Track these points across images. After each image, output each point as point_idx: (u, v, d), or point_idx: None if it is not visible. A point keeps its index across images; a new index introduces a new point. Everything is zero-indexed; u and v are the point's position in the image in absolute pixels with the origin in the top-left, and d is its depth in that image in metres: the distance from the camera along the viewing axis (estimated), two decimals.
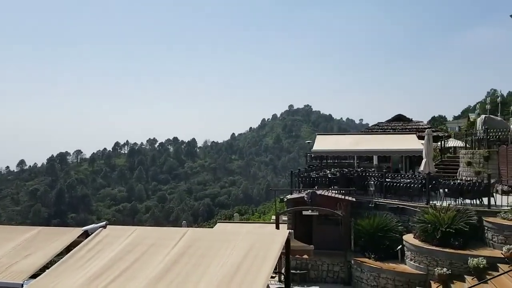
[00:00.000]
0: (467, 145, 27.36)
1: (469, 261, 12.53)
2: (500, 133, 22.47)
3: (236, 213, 42.13)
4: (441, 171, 25.56)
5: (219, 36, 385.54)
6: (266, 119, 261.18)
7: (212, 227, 27.25)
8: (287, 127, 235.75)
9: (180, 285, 6.32)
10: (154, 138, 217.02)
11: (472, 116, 45.01)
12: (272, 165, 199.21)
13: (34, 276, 7.35)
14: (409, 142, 24.65)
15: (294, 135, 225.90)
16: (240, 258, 6.79)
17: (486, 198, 15.59)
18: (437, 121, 79.68)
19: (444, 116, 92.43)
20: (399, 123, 33.68)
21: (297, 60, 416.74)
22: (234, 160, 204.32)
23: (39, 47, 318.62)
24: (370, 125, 40.39)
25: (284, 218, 20.59)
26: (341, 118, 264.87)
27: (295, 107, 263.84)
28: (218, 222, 26.80)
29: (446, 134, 35.64)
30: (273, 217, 23.22)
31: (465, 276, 12.70)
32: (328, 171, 23.80)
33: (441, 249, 13.80)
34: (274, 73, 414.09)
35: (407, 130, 31.01)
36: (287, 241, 7.89)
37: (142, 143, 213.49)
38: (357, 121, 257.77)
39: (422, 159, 21.53)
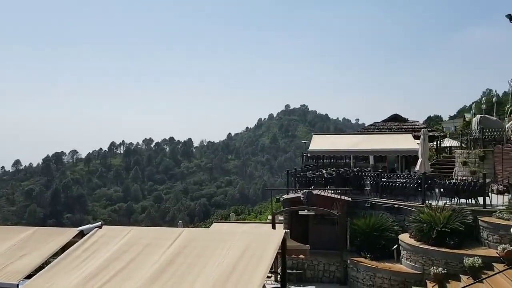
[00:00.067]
0: (463, 145, 27.49)
1: (464, 260, 12.57)
2: (495, 133, 22.58)
3: (232, 213, 42.19)
4: (436, 171, 25.64)
5: (216, 36, 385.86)
6: (262, 119, 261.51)
7: (208, 227, 27.23)
8: (283, 127, 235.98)
9: (176, 285, 6.31)
10: (150, 138, 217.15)
11: (467, 116, 45.06)
12: (269, 165, 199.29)
13: (29, 276, 7.33)
14: (405, 142, 24.71)
15: (290, 135, 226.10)
16: (236, 258, 6.78)
17: (482, 198, 15.65)
18: (433, 121, 79.82)
19: (440, 116, 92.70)
20: (395, 123, 33.72)
21: (293, 60, 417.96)
22: (231, 160, 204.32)
23: (38, 47, 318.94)
24: (366, 125, 40.46)
25: (281, 218, 20.61)
26: (337, 118, 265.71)
27: (291, 107, 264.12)
28: (214, 222, 26.79)
29: (441, 134, 35.74)
30: (270, 217, 23.24)
31: (461, 275, 12.75)
32: (324, 171, 23.83)
33: (436, 249, 13.85)
34: (270, 73, 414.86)
35: (403, 130, 31.05)
36: (283, 241, 7.89)
37: (138, 143, 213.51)
38: (353, 121, 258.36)
39: (418, 158, 21.59)
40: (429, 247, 14.09)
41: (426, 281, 13.66)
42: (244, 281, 6.21)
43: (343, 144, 25.88)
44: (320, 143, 26.69)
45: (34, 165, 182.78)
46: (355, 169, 24.11)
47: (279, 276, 15.79)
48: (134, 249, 7.49)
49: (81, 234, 8.51)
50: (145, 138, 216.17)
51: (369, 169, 25.49)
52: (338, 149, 26.08)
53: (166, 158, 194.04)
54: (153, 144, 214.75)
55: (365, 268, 15.66)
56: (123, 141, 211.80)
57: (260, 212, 62.25)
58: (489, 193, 16.51)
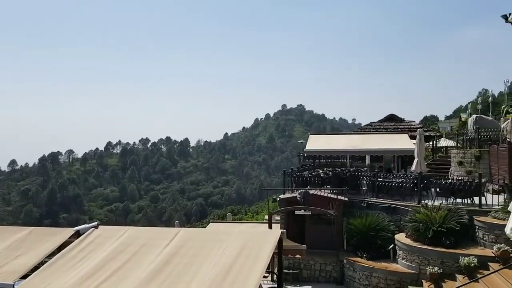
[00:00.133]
0: (459, 145, 27.56)
1: (460, 260, 12.64)
2: (491, 133, 22.64)
3: (229, 213, 42.13)
4: (432, 171, 25.71)
5: (213, 36, 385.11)
6: (259, 119, 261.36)
7: (205, 227, 27.22)
8: (280, 127, 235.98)
9: (172, 285, 6.32)
10: (146, 137, 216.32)
11: (463, 116, 45.18)
12: (265, 165, 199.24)
13: (25, 276, 7.31)
14: (401, 142, 24.75)
15: (287, 134, 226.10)
16: (233, 258, 6.79)
17: (477, 198, 15.72)
18: (429, 121, 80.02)
19: (436, 116, 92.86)
20: (391, 123, 33.82)
21: (290, 60, 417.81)
22: (227, 160, 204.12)
23: (37, 47, 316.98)
24: (362, 125, 40.53)
25: (277, 217, 20.63)
26: (334, 117, 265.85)
27: (288, 107, 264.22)
28: (211, 222, 26.80)
29: (438, 134, 35.85)
30: (266, 217, 23.23)
31: (456, 275, 12.81)
32: (321, 171, 23.87)
33: (432, 248, 13.91)
34: (267, 72, 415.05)
35: (399, 129, 31.13)
36: (280, 241, 7.90)
37: (134, 143, 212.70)
38: (349, 121, 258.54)
39: (414, 158, 21.64)
40: (425, 247, 14.14)
41: (422, 280, 13.72)
42: (241, 281, 6.22)
43: (339, 144, 25.89)
44: (316, 143, 26.70)
45: (30, 165, 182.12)
46: (351, 169, 24.16)
47: (275, 276, 15.81)
48: (131, 249, 7.48)
49: (77, 234, 8.50)
50: (142, 138, 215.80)
51: (365, 169, 25.53)
52: (335, 149, 26.10)
53: (163, 158, 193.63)
54: (150, 144, 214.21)
55: (361, 268, 15.70)
56: (119, 141, 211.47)
57: (257, 212, 62.24)
58: (485, 193, 16.60)
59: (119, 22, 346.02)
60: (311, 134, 29.46)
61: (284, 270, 17.43)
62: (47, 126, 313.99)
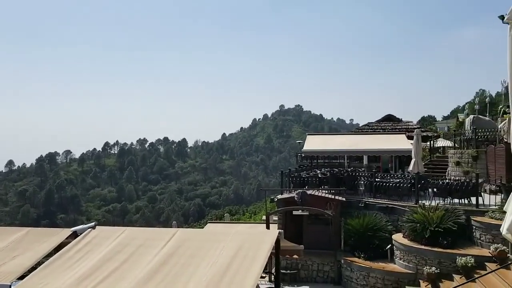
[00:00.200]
0: (456, 145, 27.62)
1: (457, 260, 12.65)
2: (488, 133, 22.70)
3: (226, 213, 42.14)
4: (430, 171, 25.77)
5: (211, 37, 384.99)
6: (257, 119, 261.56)
7: (202, 228, 27.20)
8: (278, 127, 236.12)
9: (169, 285, 6.31)
10: (144, 138, 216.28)
11: (461, 116, 45.25)
12: (263, 165, 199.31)
13: (22, 277, 7.30)
14: (398, 142, 24.83)
15: (285, 135, 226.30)
16: (230, 258, 6.78)
17: (474, 198, 15.74)
18: (427, 121, 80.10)
19: (434, 116, 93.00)
20: (389, 123, 33.87)
21: (288, 60, 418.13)
22: (225, 160, 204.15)
23: (34, 47, 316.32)
24: (360, 125, 40.58)
25: (275, 218, 20.63)
26: (332, 118, 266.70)
27: (286, 107, 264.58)
28: (209, 222, 26.77)
29: (435, 134, 35.93)
30: (264, 217, 23.24)
31: (454, 275, 12.83)
32: (319, 171, 23.89)
33: (430, 248, 13.93)
34: (265, 73, 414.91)
35: (397, 130, 31.19)
36: (277, 241, 7.90)
37: (132, 143, 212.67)
38: (347, 121, 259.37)
39: (411, 159, 21.68)
40: (423, 247, 14.17)
41: (420, 280, 13.74)
42: (238, 281, 6.21)
43: (337, 144, 25.96)
44: (314, 143, 26.77)
45: (28, 165, 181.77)
46: (349, 169, 24.19)
47: (273, 276, 15.80)
48: (128, 249, 7.47)
49: (75, 235, 8.49)
50: (139, 138, 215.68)
51: (363, 169, 25.56)
52: (332, 149, 26.17)
53: (161, 158, 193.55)
54: (147, 144, 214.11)
55: (359, 268, 15.72)
56: (117, 141, 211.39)
57: (254, 212, 62.29)
58: (482, 193, 16.62)
59: (119, 22, 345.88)
60: (308, 134, 29.54)
61: (281, 271, 17.43)
62: (45, 127, 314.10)
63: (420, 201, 16.66)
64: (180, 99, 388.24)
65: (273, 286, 13.58)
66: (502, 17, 8.51)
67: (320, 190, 20.01)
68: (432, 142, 34.16)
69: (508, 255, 11.99)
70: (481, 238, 13.92)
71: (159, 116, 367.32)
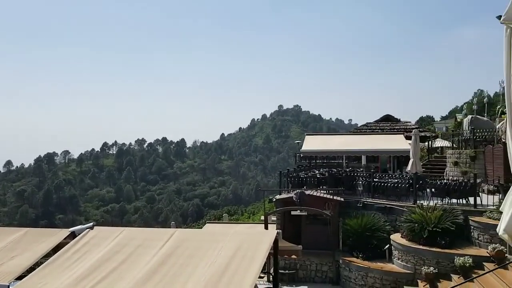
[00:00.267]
0: (454, 145, 27.63)
1: (455, 260, 12.68)
2: (486, 133, 22.73)
3: (225, 213, 42.12)
4: (428, 171, 25.79)
5: (210, 37, 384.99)
6: (255, 119, 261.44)
7: (201, 228, 27.19)
8: (276, 127, 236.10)
9: (168, 286, 6.32)
10: (142, 138, 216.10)
11: (459, 117, 45.41)
12: (262, 165, 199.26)
13: (20, 277, 7.30)
14: (396, 142, 24.86)
15: (283, 135, 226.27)
16: (228, 259, 6.80)
17: (472, 198, 15.77)
18: (425, 121, 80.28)
19: (432, 116, 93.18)
20: (387, 123, 33.95)
21: (287, 60, 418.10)
22: (224, 161, 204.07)
23: (33, 47, 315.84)
24: (359, 125, 40.65)
25: (274, 218, 20.63)
26: (330, 118, 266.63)
27: (284, 107, 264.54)
28: (207, 222, 26.75)
29: (433, 134, 35.98)
30: (262, 217, 23.25)
31: (452, 274, 12.85)
32: (317, 171, 23.90)
33: (428, 248, 13.95)
34: (263, 73, 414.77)
35: (395, 130, 31.27)
36: (275, 241, 7.92)
37: (130, 143, 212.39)
38: (346, 121, 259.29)
39: (410, 159, 21.72)
40: (421, 247, 14.19)
41: (418, 280, 13.76)
42: (236, 282, 6.23)
43: (335, 145, 25.98)
44: (312, 143, 26.78)
45: (26, 165, 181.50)
46: (347, 169, 24.21)
47: (271, 276, 15.82)
48: (126, 250, 7.48)
49: (73, 235, 8.49)
50: (138, 139, 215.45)
51: (361, 169, 25.62)
52: (331, 150, 26.19)
53: (159, 159, 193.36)
54: (146, 144, 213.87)
55: (357, 268, 15.74)
56: (115, 141, 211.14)
57: (253, 213, 62.31)
58: (480, 193, 16.65)
59: (118, 22, 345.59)
60: (307, 134, 29.56)
61: (280, 271, 17.45)
62: (43, 127, 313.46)
63: (418, 201, 16.68)
64: (178, 99, 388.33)
65: (272, 286, 13.62)
66: (500, 17, 8.53)
67: (319, 190, 20.03)
68: (430, 142, 34.19)
69: (506, 255, 12.01)
70: (479, 238, 13.95)
71: (157, 116, 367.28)
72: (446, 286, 12.44)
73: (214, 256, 6.93)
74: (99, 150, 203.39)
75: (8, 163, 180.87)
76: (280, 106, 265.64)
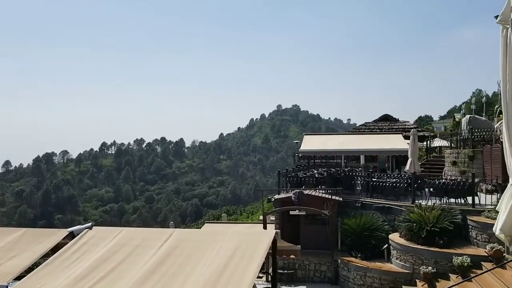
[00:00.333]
0: (452, 145, 27.69)
1: (453, 259, 12.71)
2: (484, 133, 22.79)
3: (224, 213, 42.09)
4: (426, 171, 25.82)
5: (209, 37, 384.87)
6: (254, 119, 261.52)
7: (200, 228, 27.18)
8: (275, 127, 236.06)
9: (166, 286, 6.32)
10: (141, 138, 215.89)
11: (457, 116, 45.46)
12: (261, 165, 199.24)
13: (19, 278, 7.30)
14: (395, 142, 24.88)
15: (282, 135, 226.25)
16: (227, 259, 6.80)
17: (471, 197, 15.81)
18: (424, 121, 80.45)
19: (431, 116, 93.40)
20: (386, 123, 33.96)
21: (286, 60, 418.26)
22: (223, 160, 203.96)
23: (33, 47, 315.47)
24: (357, 125, 40.68)
25: (272, 218, 20.65)
26: (329, 118, 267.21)
27: (283, 107, 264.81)
28: (206, 222, 26.74)
29: (432, 134, 36.02)
30: (261, 217, 23.25)
31: (450, 274, 12.88)
32: (316, 171, 23.91)
33: (426, 248, 13.98)
34: (262, 73, 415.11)
35: (394, 130, 31.29)
36: (274, 241, 7.93)
37: (129, 143, 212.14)
38: (344, 121, 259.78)
39: (408, 158, 21.74)
40: (419, 247, 14.21)
41: (416, 280, 13.78)
42: (235, 281, 6.23)
43: (334, 144, 25.99)
44: (311, 143, 26.79)
45: (25, 165, 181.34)
46: (346, 169, 24.24)
47: (270, 276, 15.83)
48: (125, 250, 7.48)
49: (71, 235, 8.47)
50: (136, 139, 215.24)
51: (360, 169, 25.63)
52: (329, 149, 26.19)
53: (158, 159, 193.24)
54: (145, 144, 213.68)
55: (355, 268, 15.76)
56: (114, 141, 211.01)
57: (252, 213, 62.26)
58: (478, 193, 16.69)
59: (117, 22, 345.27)
60: (305, 134, 29.56)
61: (279, 270, 17.47)
62: (42, 127, 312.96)
63: (416, 201, 16.70)
64: (177, 99, 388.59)
65: (270, 286, 13.62)
66: (497, 17, 8.57)
67: (317, 190, 20.05)
68: (428, 142, 34.25)
69: (504, 254, 12.03)
70: (477, 238, 13.97)
71: (156, 116, 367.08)
72: (444, 286, 12.46)
73: (213, 256, 6.93)
74: (98, 150, 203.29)
75: (7, 163, 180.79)
76: (279, 106, 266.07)
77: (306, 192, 18.65)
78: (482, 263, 12.33)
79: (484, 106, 39.01)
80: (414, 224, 14.72)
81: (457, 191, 16.21)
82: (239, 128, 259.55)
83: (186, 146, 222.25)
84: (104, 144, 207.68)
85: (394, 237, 15.69)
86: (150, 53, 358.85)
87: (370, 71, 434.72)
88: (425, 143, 33.99)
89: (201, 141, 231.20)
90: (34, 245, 8.23)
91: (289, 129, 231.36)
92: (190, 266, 6.73)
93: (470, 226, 14.45)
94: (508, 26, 8.12)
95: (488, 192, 17.32)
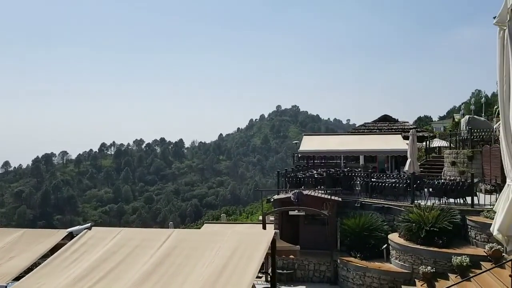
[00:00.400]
0: (452, 145, 27.70)
1: (452, 259, 12.72)
2: (483, 133, 22.81)
3: (223, 213, 42.06)
4: (426, 171, 25.85)
5: (208, 37, 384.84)
6: (254, 120, 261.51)
7: (199, 228, 27.19)
8: (275, 128, 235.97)
9: (165, 286, 6.33)
10: (141, 138, 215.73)
11: (457, 117, 45.57)
12: (260, 166, 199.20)
13: (18, 278, 7.30)
14: (394, 142, 24.92)
15: (282, 135, 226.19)
16: (226, 259, 6.81)
17: (470, 197, 15.81)
18: (423, 121, 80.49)
19: (430, 116, 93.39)
20: (385, 124, 33.99)
21: (285, 60, 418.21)
22: (222, 161, 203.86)
23: (33, 47, 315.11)
24: (357, 126, 40.69)
25: (272, 218, 20.66)
26: (329, 118, 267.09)
27: (282, 108, 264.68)
28: (205, 223, 26.77)
29: (431, 134, 36.05)
30: (260, 217, 23.27)
31: (449, 274, 12.89)
32: (315, 171, 23.92)
33: (425, 248, 13.99)
34: (262, 73, 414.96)
35: (393, 130, 31.32)
36: (273, 241, 7.93)
37: (128, 144, 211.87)
38: (344, 122, 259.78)
39: (407, 159, 21.75)
40: (418, 247, 14.22)
41: (415, 280, 13.80)
42: (234, 282, 6.24)
43: (333, 145, 26.02)
44: (310, 143, 26.82)
45: (24, 166, 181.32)
46: (345, 169, 24.25)
47: (269, 276, 15.84)
48: (124, 250, 7.48)
49: (71, 236, 8.49)
50: (136, 139, 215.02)
51: (359, 169, 25.65)
52: (329, 150, 26.22)
53: (157, 159, 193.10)
54: (144, 145, 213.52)
55: (355, 268, 15.77)
56: (113, 142, 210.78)
57: (251, 213, 62.40)
58: (477, 193, 16.69)
59: (117, 22, 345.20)
60: (305, 135, 29.59)
61: (278, 271, 17.49)
62: (41, 127, 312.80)
63: (415, 201, 16.71)
64: (177, 99, 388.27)
65: (270, 286, 13.63)
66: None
67: (316, 190, 20.05)
68: (428, 142, 34.26)
69: (503, 254, 12.04)
70: (476, 238, 13.98)
71: (156, 117, 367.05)
72: (443, 286, 12.46)
73: (212, 256, 6.93)
74: (97, 151, 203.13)
75: (6, 163, 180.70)
76: (278, 106, 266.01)
77: (305, 192, 18.66)
78: (481, 263, 12.34)
79: (484, 106, 39.07)
80: (413, 224, 14.72)
81: (456, 191, 16.22)
82: (238, 128, 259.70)
83: (186, 146, 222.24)
84: (103, 144, 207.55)
85: (393, 237, 15.70)
86: (150, 53, 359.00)
87: (369, 71, 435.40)
88: (424, 143, 34.00)
89: (201, 142, 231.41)
90: (33, 246, 8.24)
91: (288, 129, 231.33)
92: (189, 266, 6.74)
93: (469, 226, 14.45)
94: (505, 28, 8.14)
95: (487, 192, 17.35)
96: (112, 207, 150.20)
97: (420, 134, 31.32)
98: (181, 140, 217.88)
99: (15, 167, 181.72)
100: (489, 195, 16.70)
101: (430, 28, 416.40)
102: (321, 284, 17.46)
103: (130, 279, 6.58)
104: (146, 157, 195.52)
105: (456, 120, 39.87)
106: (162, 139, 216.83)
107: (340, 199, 18.90)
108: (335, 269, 17.20)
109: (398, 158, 27.61)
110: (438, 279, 12.99)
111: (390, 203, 17.75)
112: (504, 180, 16.39)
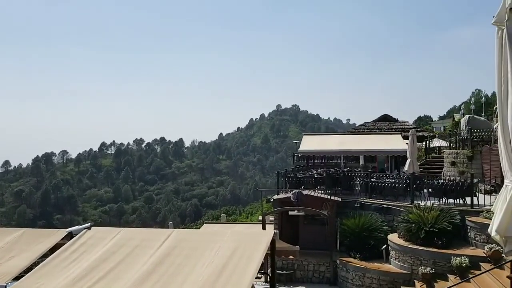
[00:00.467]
0: (452, 145, 27.72)
1: (452, 260, 12.72)
2: (483, 133, 22.80)
3: (223, 213, 42.06)
4: (426, 171, 25.85)
5: (208, 37, 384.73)
6: (254, 119, 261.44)
7: (199, 228, 27.19)
8: (275, 127, 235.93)
9: (165, 286, 6.33)
10: (141, 138, 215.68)
11: (457, 116, 45.53)
12: (260, 165, 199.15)
13: (17, 278, 7.31)
14: (394, 142, 24.91)
15: (282, 135, 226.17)
16: (225, 259, 6.80)
17: (469, 198, 15.81)
18: (423, 121, 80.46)
19: (430, 116, 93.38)
20: (385, 123, 33.98)
21: (285, 60, 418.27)
22: (222, 160, 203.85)
23: (33, 47, 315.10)
24: (357, 125, 40.69)
25: (271, 218, 20.66)
26: (329, 118, 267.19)
27: (283, 107, 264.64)
28: (205, 223, 26.77)
29: (431, 134, 36.05)
30: (260, 217, 23.27)
31: (448, 275, 12.90)
32: (315, 171, 23.92)
33: (425, 249, 13.99)
34: (262, 73, 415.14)
35: (393, 130, 31.31)
36: (272, 242, 7.93)
37: (128, 143, 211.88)
38: (344, 121, 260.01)
39: (407, 159, 21.75)
40: (418, 247, 14.23)
41: (415, 280, 13.81)
42: (233, 282, 6.24)
43: (333, 144, 26.02)
44: (310, 143, 26.82)
45: (24, 165, 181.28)
46: (345, 169, 24.25)
47: (269, 277, 15.84)
48: (123, 250, 7.48)
49: (70, 236, 8.48)
50: (136, 139, 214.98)
51: (359, 169, 25.64)
52: (329, 149, 26.21)
53: (157, 159, 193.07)
54: (144, 144, 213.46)
55: (354, 268, 15.77)
56: (113, 141, 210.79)
57: (251, 213, 62.38)
58: (477, 193, 16.69)
59: (117, 22, 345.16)
60: (305, 134, 29.58)
61: (277, 271, 17.49)
62: (41, 127, 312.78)
63: (415, 201, 16.72)
64: (177, 99, 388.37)
65: (269, 286, 13.63)
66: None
67: (316, 191, 20.05)
68: (428, 142, 34.27)
69: (502, 255, 12.04)
70: (476, 238, 13.98)
71: (156, 116, 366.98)
72: (442, 286, 12.48)
73: (212, 256, 6.93)
74: (97, 150, 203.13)
75: (6, 163, 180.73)
76: (279, 106, 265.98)
77: (305, 192, 18.67)
78: (480, 263, 12.34)
79: (484, 106, 39.08)
80: (413, 225, 14.73)
81: (456, 191, 16.22)
82: (238, 128, 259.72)
83: (186, 146, 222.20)
84: (103, 144, 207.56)
85: (393, 237, 15.71)
86: (150, 53, 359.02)
87: (369, 71, 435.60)
88: (424, 143, 34.01)
89: (201, 141, 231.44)
90: (33, 245, 8.24)
91: (288, 129, 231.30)
92: (189, 267, 6.74)
93: (469, 227, 14.46)
94: (503, 27, 8.13)
95: (487, 192, 17.34)
96: (112, 206, 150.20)
97: (420, 134, 31.32)
98: (181, 140, 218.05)
99: (15, 167, 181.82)
100: (489, 196, 16.69)
101: (430, 28, 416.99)
102: (321, 285, 17.47)
103: (129, 279, 6.58)
104: (146, 156, 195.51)
105: (456, 120, 39.87)
106: (162, 139, 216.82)
107: (339, 199, 18.91)
108: (335, 270, 17.21)
109: (398, 158, 27.61)
110: (437, 280, 12.99)
111: (390, 203, 17.76)
112: (503, 181, 16.46)
